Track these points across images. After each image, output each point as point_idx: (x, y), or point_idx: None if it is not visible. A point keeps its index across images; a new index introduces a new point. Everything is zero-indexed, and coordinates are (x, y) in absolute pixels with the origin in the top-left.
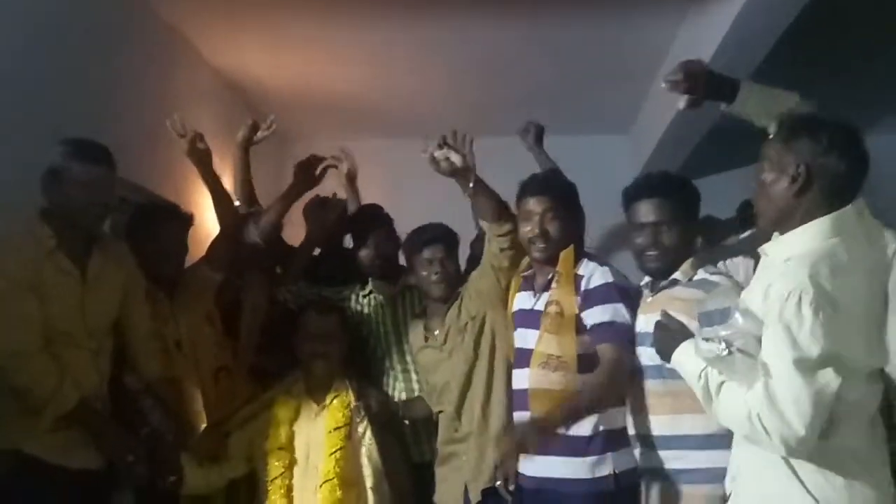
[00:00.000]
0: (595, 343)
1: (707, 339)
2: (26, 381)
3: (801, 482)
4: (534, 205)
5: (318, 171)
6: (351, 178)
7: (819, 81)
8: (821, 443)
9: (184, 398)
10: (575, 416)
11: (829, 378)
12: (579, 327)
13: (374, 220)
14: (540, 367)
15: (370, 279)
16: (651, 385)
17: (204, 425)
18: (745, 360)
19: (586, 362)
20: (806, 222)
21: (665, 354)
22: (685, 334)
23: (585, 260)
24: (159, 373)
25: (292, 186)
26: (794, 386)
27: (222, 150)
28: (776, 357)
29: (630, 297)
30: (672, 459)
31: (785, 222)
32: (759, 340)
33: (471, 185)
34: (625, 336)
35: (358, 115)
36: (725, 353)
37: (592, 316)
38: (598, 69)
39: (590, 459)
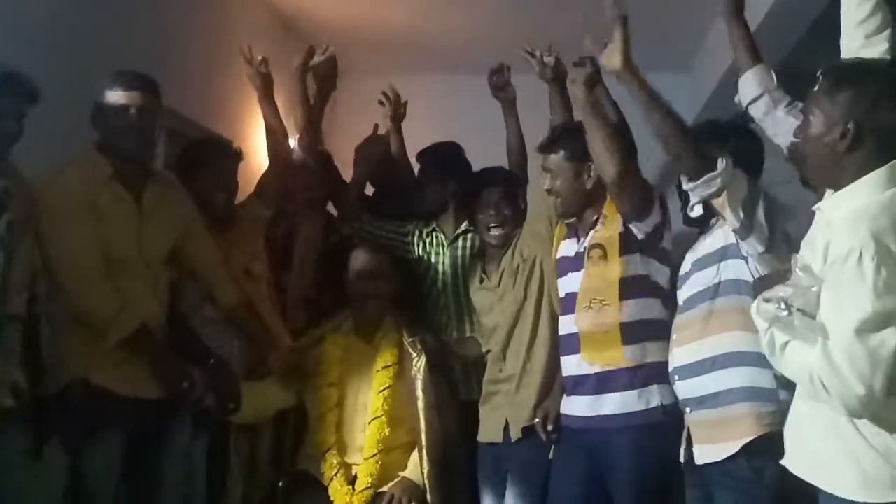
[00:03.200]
0: None
1: (767, 300)
2: (90, 304)
3: (863, 436)
4: (545, 162)
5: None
6: (398, 119)
7: None
8: (888, 401)
9: (263, 321)
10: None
11: (886, 336)
12: (623, 247)
13: (458, 161)
14: (584, 309)
15: (439, 216)
16: (678, 319)
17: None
18: (804, 321)
19: (627, 287)
20: (859, 177)
21: None
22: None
23: None
24: (238, 299)
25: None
26: (850, 345)
27: (275, 83)
28: (835, 317)
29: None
30: (702, 385)
31: (835, 178)
32: (819, 298)
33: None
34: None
35: (413, 50)
36: (785, 313)
37: None
38: (658, 2)
39: (638, 391)
